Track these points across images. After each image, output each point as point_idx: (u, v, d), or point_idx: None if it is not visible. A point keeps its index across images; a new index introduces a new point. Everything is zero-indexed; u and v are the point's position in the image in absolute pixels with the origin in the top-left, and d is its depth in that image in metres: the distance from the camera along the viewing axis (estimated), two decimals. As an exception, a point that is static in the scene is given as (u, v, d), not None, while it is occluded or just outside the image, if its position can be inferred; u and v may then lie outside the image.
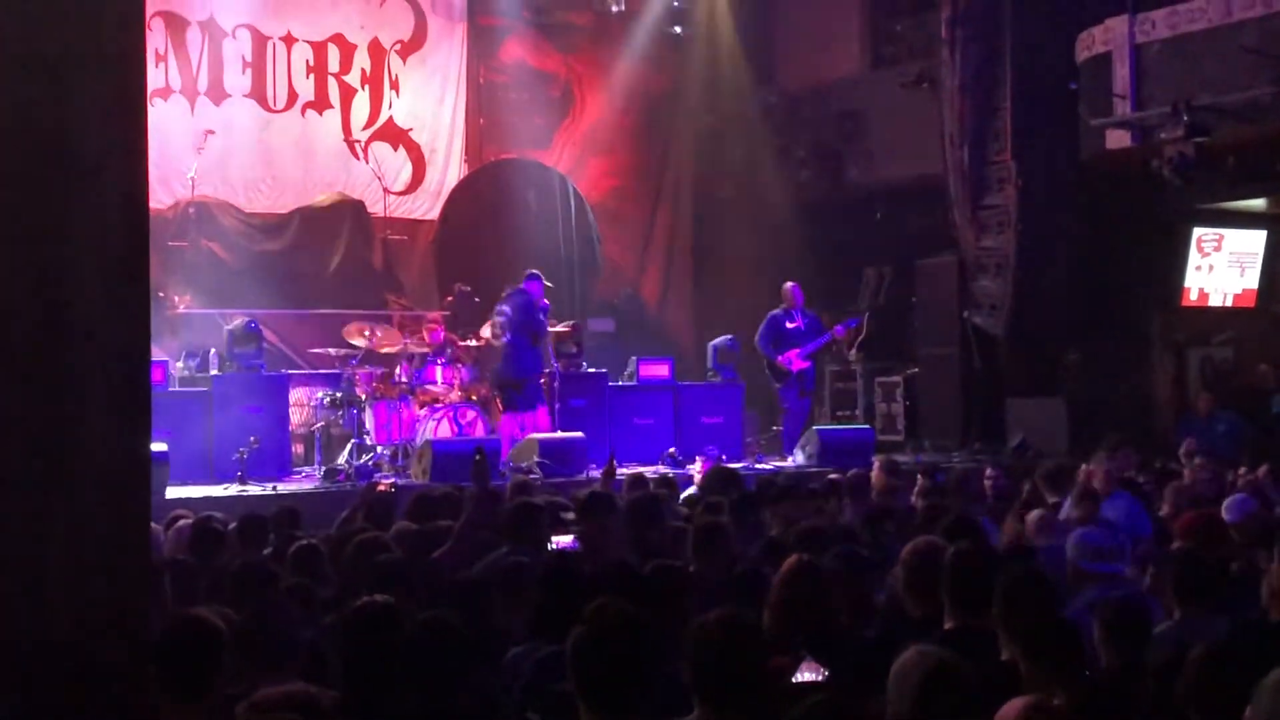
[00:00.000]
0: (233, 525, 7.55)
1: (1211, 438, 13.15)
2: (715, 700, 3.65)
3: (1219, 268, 16.21)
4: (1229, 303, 16.44)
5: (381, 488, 10.02)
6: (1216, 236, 16.18)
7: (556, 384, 13.48)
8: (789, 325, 14.29)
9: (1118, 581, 5.73)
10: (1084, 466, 9.54)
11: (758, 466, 13.61)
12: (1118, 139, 14.23)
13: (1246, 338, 16.53)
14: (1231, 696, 3.51)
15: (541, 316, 13.08)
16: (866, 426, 14.69)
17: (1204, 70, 13.31)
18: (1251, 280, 16.50)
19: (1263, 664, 3.50)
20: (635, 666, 3.65)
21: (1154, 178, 13.55)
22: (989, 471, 10.20)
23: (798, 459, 13.72)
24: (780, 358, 14.21)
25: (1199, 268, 16.13)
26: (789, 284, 14.54)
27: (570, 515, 7.37)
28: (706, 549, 6.25)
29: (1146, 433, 14.27)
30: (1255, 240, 16.47)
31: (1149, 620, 4.80)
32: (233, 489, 11.42)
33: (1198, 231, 16.05)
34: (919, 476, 10.04)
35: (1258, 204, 16.40)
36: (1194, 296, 16.16)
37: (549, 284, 13.31)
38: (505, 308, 13.00)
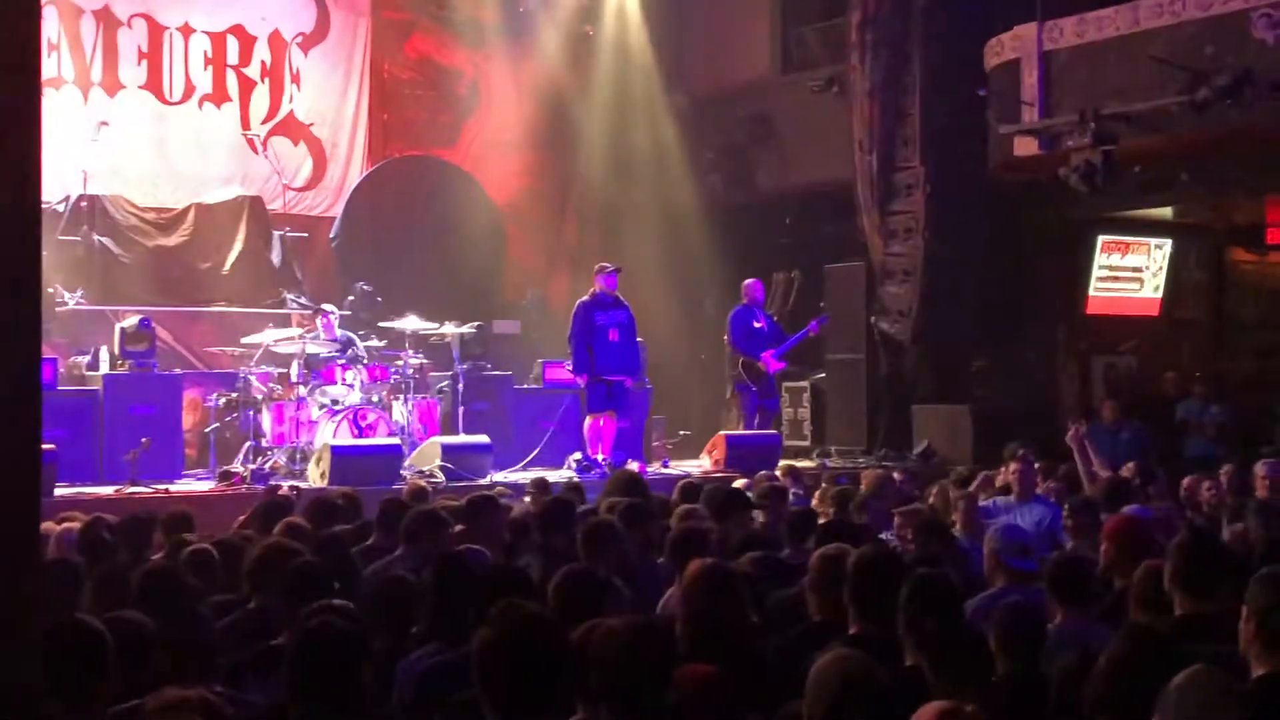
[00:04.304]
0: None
1: (1115, 446, 13.37)
2: (619, 709, 3.64)
3: (1124, 276, 16.52)
4: (1133, 311, 16.75)
5: (282, 492, 9.95)
6: (1122, 245, 16.49)
7: (460, 386, 13.43)
8: (756, 325, 14.25)
9: (1034, 580, 5.83)
10: (1004, 470, 9.72)
11: (664, 471, 13.67)
12: (1026, 146, 14.44)
13: (1151, 346, 16.85)
14: (1137, 703, 3.57)
15: (598, 313, 12.95)
16: (774, 432, 14.78)
17: (1112, 79, 13.55)
18: (1156, 289, 16.83)
19: (1161, 669, 3.57)
20: (544, 669, 3.63)
21: (1061, 185, 13.76)
22: (896, 475, 10.35)
23: (704, 464, 13.80)
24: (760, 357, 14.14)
25: (1104, 276, 16.43)
26: (751, 280, 14.50)
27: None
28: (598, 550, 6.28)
29: (1051, 440, 14.47)
30: (1160, 249, 16.81)
31: (1044, 627, 4.87)
32: (124, 491, 11.25)
33: (1103, 239, 16.35)
34: (823, 483, 10.17)
35: (1163, 213, 16.74)
36: (1099, 305, 16.45)
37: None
38: None
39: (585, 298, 13.13)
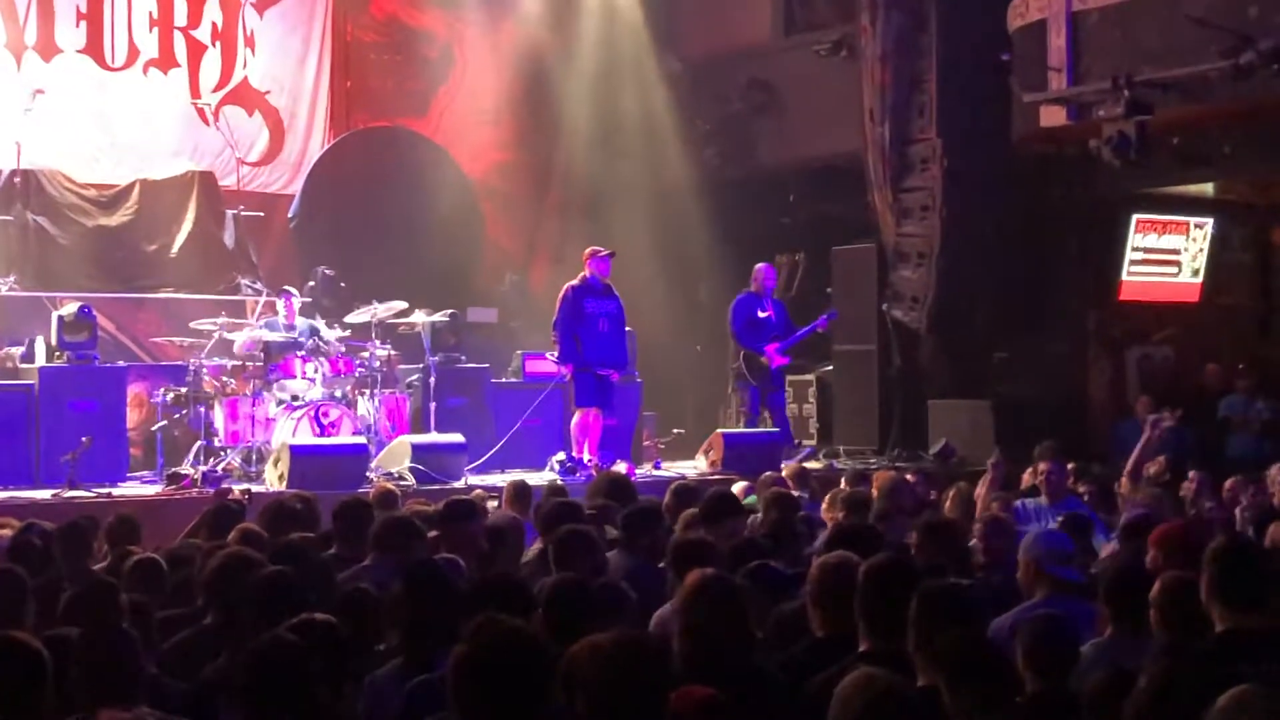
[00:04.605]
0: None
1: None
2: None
3: (1160, 259, 16.51)
4: (1171, 297, 16.74)
5: (234, 496, 9.94)
6: (1158, 224, 16.48)
7: (431, 380, 13.41)
8: (761, 315, 14.25)
9: (1077, 589, 5.84)
10: (1033, 469, 9.76)
11: (656, 473, 13.66)
12: (1052, 116, 14.43)
13: (1190, 335, 16.85)
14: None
15: (588, 300, 12.95)
16: (776, 429, 14.78)
17: (1147, 42, 13.54)
18: (1195, 273, 16.82)
19: (1205, 690, 3.59)
20: (525, 690, 3.62)
21: (1092, 159, 13.77)
22: (909, 477, 10.37)
23: (700, 465, 13.80)
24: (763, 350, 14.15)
25: (1138, 259, 16.42)
26: (761, 265, 14.51)
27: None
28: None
29: (1081, 438, 14.51)
30: (1200, 229, 16.79)
31: (1075, 643, 4.89)
32: (62, 495, 11.23)
33: (1137, 218, 16.34)
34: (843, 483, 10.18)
35: (1204, 189, 16.74)
36: (1132, 290, 16.44)
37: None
38: None
39: (574, 282, 13.12)
